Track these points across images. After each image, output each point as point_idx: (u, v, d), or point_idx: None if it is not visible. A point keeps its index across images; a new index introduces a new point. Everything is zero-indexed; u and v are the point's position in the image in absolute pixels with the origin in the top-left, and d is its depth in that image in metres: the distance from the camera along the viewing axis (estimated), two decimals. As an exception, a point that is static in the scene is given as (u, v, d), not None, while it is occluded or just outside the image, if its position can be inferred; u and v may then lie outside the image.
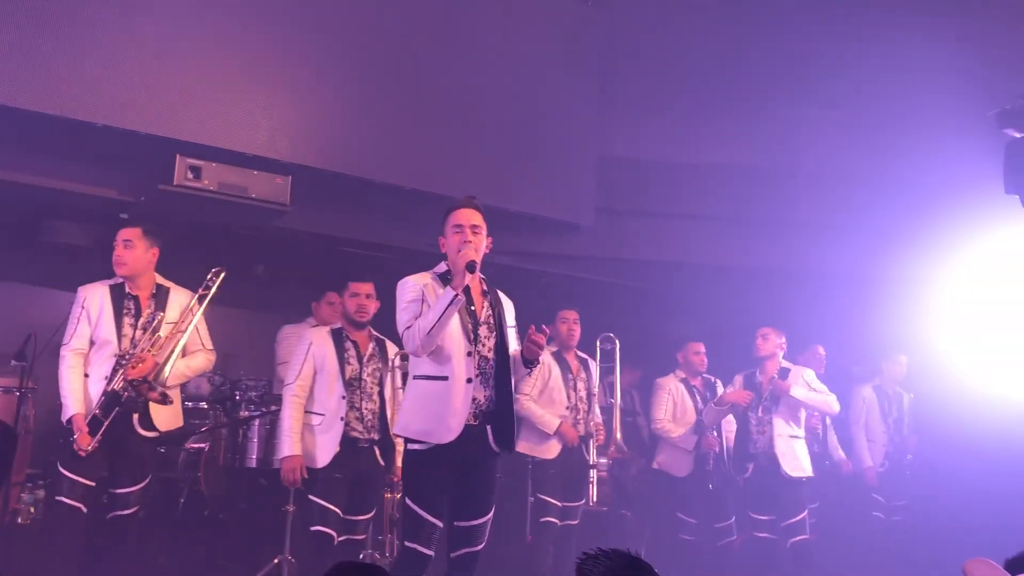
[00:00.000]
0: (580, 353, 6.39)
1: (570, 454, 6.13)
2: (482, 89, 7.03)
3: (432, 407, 4.20)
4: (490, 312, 4.36)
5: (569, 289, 8.11)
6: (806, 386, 6.54)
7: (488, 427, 4.26)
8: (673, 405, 6.98)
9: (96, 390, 4.77)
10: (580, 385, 6.27)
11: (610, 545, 2.03)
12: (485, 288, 4.41)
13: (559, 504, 6.09)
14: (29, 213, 6.77)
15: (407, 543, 4.20)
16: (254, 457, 5.97)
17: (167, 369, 4.82)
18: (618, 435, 6.32)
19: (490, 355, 4.30)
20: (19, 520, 5.83)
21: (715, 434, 6.90)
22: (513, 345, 4.38)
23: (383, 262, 7.38)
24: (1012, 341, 7.59)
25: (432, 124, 6.78)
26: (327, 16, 6.39)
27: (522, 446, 6.01)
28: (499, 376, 4.28)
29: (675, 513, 6.91)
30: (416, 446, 4.24)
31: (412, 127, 6.68)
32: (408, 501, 4.23)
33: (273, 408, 5.86)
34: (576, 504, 6.16)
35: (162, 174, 5.92)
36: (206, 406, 6.47)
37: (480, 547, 4.30)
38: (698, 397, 7.01)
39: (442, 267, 4.42)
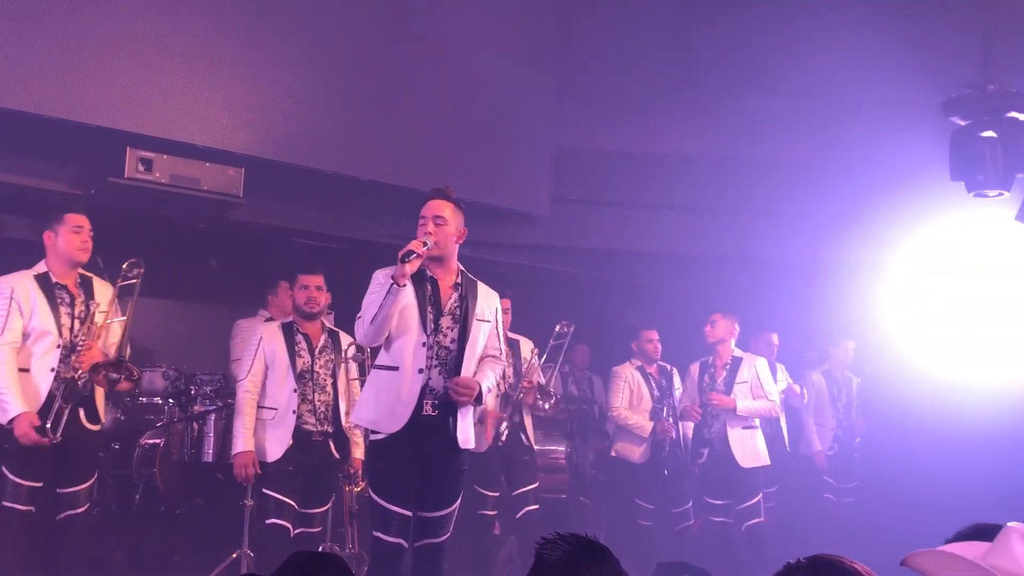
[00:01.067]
0: (511, 335, 6.30)
1: (505, 444, 6.08)
2: (438, 80, 7.01)
3: (383, 396, 4.24)
4: (457, 304, 4.34)
5: (526, 279, 8.14)
6: (756, 378, 6.68)
7: (450, 418, 4.27)
8: (629, 392, 7.05)
9: (44, 383, 4.63)
10: (508, 371, 6.15)
11: (569, 532, 2.05)
12: (459, 281, 4.38)
13: (497, 496, 6.05)
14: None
15: (373, 532, 4.22)
16: (210, 452, 5.91)
17: (126, 348, 4.77)
18: (539, 379, 6.25)
19: (452, 346, 4.29)
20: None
21: (670, 420, 7.00)
22: (482, 339, 4.39)
23: (338, 254, 7.35)
24: (958, 325, 7.77)
25: (388, 115, 6.75)
26: (281, 6, 6.33)
27: None
28: (460, 367, 4.29)
29: (633, 499, 7.00)
30: (375, 436, 4.27)
31: (367, 118, 6.65)
32: (370, 491, 4.27)
33: (229, 402, 5.81)
34: (527, 488, 6.12)
35: (112, 167, 5.82)
36: (160, 401, 6.39)
37: (441, 539, 4.30)
38: (654, 384, 7.09)
39: None
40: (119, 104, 5.65)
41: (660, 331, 7.20)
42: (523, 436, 6.20)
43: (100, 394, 4.87)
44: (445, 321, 4.30)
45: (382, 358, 4.31)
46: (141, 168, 5.82)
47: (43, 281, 4.73)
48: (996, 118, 5.80)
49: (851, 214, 7.63)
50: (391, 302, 4.11)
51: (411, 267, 4.11)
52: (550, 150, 7.65)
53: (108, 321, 4.86)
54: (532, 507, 6.13)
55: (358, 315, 4.21)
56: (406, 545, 4.23)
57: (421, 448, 4.22)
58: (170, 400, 6.35)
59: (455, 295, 4.35)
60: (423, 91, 6.92)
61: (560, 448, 6.98)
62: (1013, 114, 5.77)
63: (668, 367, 7.21)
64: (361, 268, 4.51)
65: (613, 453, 7.15)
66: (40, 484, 4.62)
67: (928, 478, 7.16)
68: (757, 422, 6.73)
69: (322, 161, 6.47)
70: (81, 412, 4.75)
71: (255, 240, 7.35)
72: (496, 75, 7.33)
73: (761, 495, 6.61)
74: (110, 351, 4.84)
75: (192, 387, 6.27)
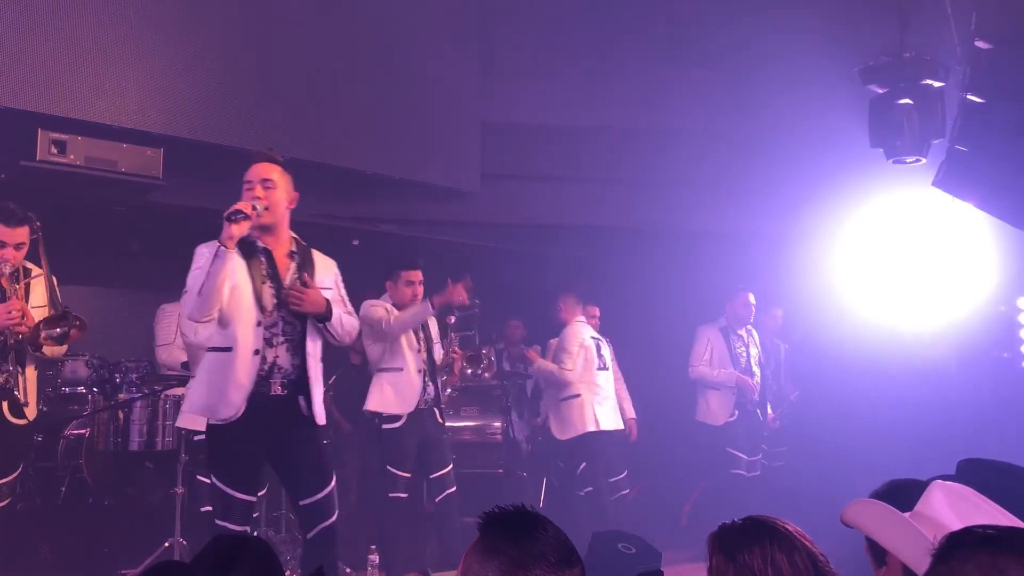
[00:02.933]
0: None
1: (421, 421, 5.64)
2: (361, 56, 6.89)
3: (215, 381, 4.00)
4: (296, 275, 4.14)
5: (458, 255, 8.10)
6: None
7: (300, 397, 4.11)
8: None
9: None
10: (420, 336, 5.77)
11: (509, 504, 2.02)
12: (294, 249, 4.21)
13: (409, 477, 5.61)
14: None
15: (217, 521, 3.99)
16: (137, 440, 5.76)
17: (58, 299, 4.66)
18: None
19: (296, 321, 4.11)
20: None
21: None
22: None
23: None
24: (884, 286, 7.96)
25: (311, 92, 6.62)
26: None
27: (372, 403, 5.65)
28: (305, 342, 4.12)
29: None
30: (215, 421, 4.02)
31: (290, 95, 6.51)
32: (214, 479, 4.04)
33: (156, 388, 5.68)
34: (444, 472, 5.71)
35: (24, 150, 5.60)
36: (84, 390, 6.22)
37: (333, 519, 4.13)
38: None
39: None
40: (29, 84, 5.42)
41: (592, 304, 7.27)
42: (437, 413, 5.76)
43: (32, 386, 4.69)
44: (274, 296, 4.08)
45: (214, 338, 4.03)
46: (54, 150, 5.61)
47: None
48: (912, 85, 5.92)
49: (778, 183, 7.74)
50: (219, 268, 3.86)
51: (239, 229, 3.89)
52: (478, 125, 7.60)
53: (24, 281, 4.63)
54: (451, 489, 5.70)
55: (184, 291, 3.96)
56: (248, 532, 4.07)
57: (274, 431, 4.04)
58: (94, 389, 6.19)
59: (292, 265, 4.17)
60: (346, 67, 6.80)
61: (496, 423, 6.99)
62: (928, 81, 5.90)
63: (604, 339, 7.27)
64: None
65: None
66: None
67: (857, 441, 7.34)
68: (580, 390, 6.84)
69: (242, 139, 6.31)
70: (4, 405, 4.56)
71: (177, 222, 7.16)
72: (420, 50, 7.24)
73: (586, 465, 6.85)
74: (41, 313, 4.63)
75: (117, 375, 6.11)
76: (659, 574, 2.10)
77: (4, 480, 4.61)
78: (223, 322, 3.98)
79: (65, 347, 4.75)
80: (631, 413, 7.37)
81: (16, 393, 4.59)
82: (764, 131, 7.71)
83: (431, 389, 5.71)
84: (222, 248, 3.87)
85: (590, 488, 6.80)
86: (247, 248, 4.08)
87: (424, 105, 7.23)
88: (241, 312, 4.00)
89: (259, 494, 4.14)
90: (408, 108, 7.14)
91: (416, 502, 5.94)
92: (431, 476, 5.69)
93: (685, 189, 8.04)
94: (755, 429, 7.37)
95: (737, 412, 7.26)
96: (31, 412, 4.68)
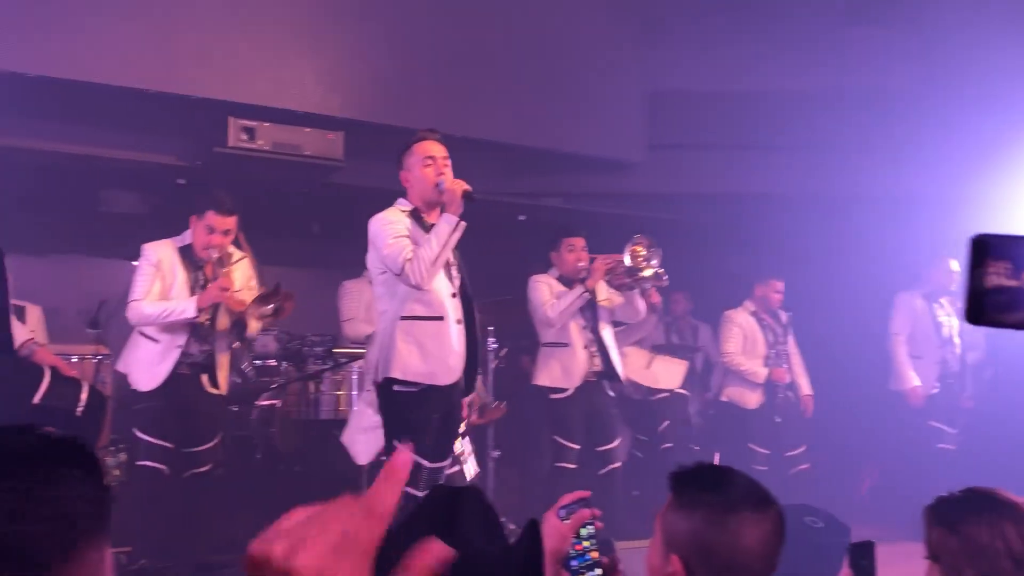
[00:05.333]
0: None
1: (589, 393, 5.71)
2: (526, 31, 6.92)
3: (430, 347, 4.10)
4: (454, 255, 4.26)
5: (624, 228, 8.03)
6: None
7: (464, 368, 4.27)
8: (743, 338, 6.94)
9: (169, 359, 4.86)
10: (587, 313, 5.78)
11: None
12: None
13: (578, 448, 5.66)
14: (86, 184, 6.87)
15: (415, 491, 4.03)
16: (326, 409, 6.06)
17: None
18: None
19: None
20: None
21: (785, 367, 6.88)
22: None
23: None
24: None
25: (478, 70, 6.70)
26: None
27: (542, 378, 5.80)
28: (468, 317, 4.26)
29: (746, 445, 6.92)
30: (408, 388, 4.09)
31: (458, 74, 6.61)
32: (419, 456, 4.05)
33: (342, 361, 5.94)
34: (611, 446, 5.74)
35: (216, 137, 5.95)
36: (275, 363, 6.57)
37: None
38: (767, 330, 6.96)
39: (405, 204, 4.27)
40: (219, 74, 5.75)
41: (764, 275, 7.08)
42: (607, 385, 5.82)
43: (224, 369, 5.07)
44: (454, 271, 4.26)
45: (416, 308, 4.11)
46: (244, 137, 5.93)
47: (185, 253, 4.94)
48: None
49: (957, 144, 7.27)
50: (455, 241, 4.01)
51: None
52: (643, 95, 7.49)
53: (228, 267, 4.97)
54: (615, 464, 5.76)
55: (405, 257, 3.97)
56: None
57: (449, 400, 4.19)
58: (284, 362, 6.52)
59: None
60: (512, 44, 6.85)
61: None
62: None
63: (782, 313, 7.06)
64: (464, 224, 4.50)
65: (724, 398, 7.06)
66: (171, 445, 4.85)
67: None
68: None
69: (414, 120, 6.45)
70: (203, 378, 4.98)
71: (356, 203, 7.42)
72: (583, 22, 7.20)
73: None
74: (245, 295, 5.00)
75: (304, 348, 6.42)
76: (871, 545, 2.03)
77: (206, 446, 5.01)
78: (426, 292, 4.12)
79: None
80: (807, 390, 7.11)
81: (215, 367, 4.99)
82: (947, 90, 7.25)
83: (598, 361, 5.73)
84: (462, 223, 4.01)
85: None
86: (418, 220, 4.21)
87: (588, 77, 7.19)
88: (440, 284, 4.16)
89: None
90: (572, 81, 7.12)
91: (587, 474, 5.98)
92: (596, 449, 5.73)
93: (862, 153, 7.66)
94: (956, 403, 6.98)
95: (939, 385, 6.88)
96: (223, 387, 5.06)
